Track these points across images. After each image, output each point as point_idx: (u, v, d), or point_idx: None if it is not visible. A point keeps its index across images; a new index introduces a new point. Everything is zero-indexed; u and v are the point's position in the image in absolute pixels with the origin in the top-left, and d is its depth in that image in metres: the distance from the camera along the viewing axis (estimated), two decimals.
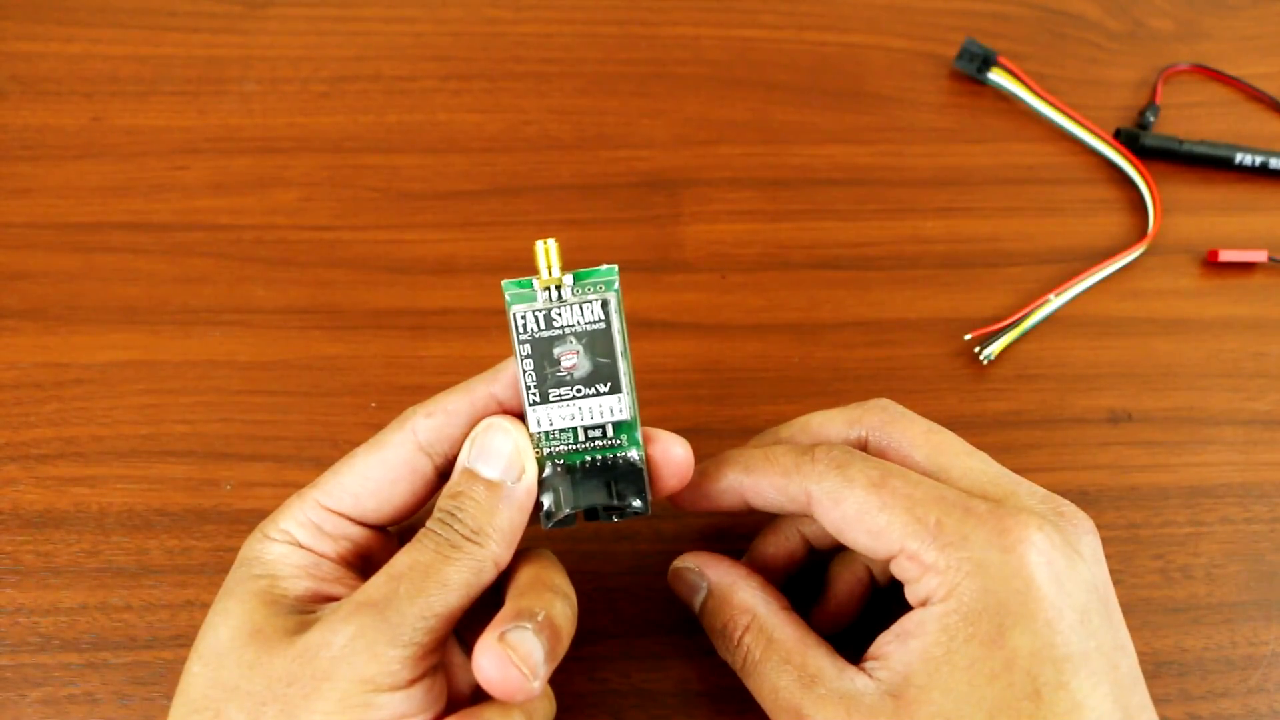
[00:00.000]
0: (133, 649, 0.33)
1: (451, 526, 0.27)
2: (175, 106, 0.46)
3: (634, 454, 0.29)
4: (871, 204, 0.45)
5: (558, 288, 0.28)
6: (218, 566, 0.35)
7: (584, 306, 0.28)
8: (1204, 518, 0.38)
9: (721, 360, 0.40)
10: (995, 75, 0.48)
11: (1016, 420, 0.40)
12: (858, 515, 0.28)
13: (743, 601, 0.30)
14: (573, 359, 0.28)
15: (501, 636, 0.26)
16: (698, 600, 0.31)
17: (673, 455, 0.29)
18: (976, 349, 0.41)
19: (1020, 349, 0.41)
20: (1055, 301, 0.42)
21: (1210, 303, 0.43)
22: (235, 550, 0.35)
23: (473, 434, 0.28)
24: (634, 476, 0.29)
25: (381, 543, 0.30)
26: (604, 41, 0.49)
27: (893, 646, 0.27)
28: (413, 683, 0.25)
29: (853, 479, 0.28)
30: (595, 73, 0.48)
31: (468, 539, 0.27)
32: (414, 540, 0.27)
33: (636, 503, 0.29)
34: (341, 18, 0.49)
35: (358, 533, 0.29)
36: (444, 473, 0.29)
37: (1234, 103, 0.49)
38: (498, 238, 0.43)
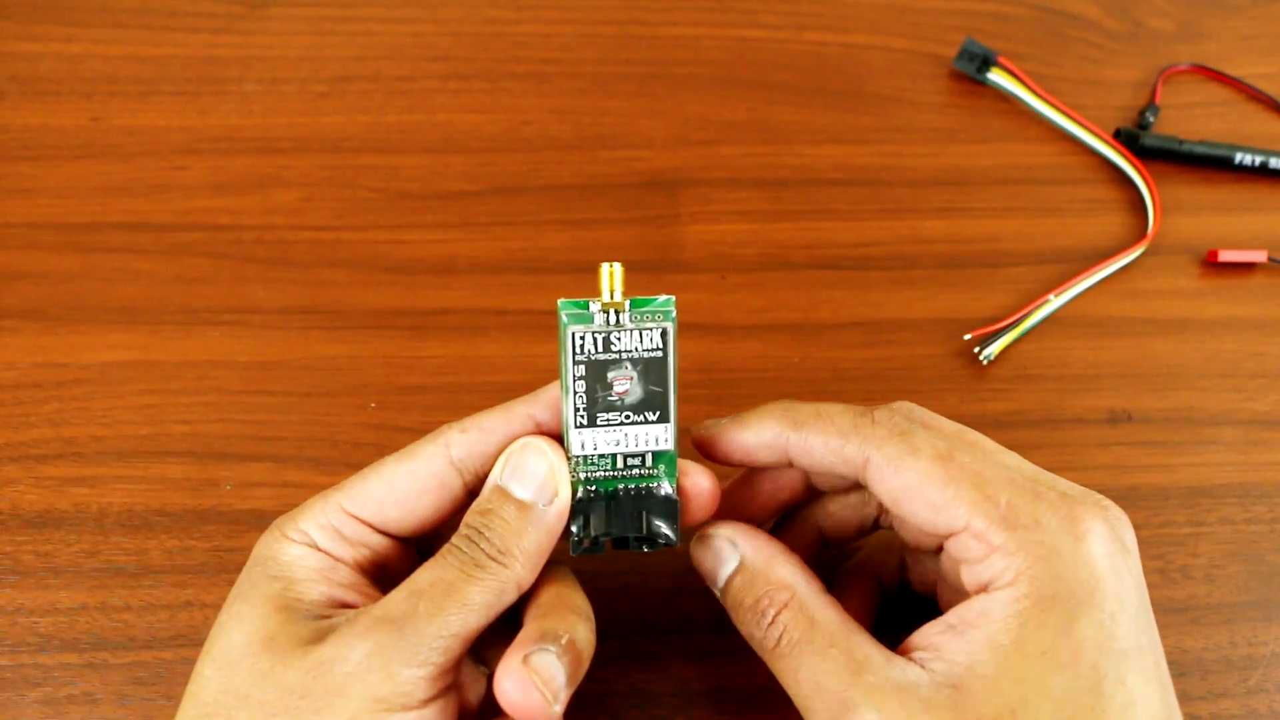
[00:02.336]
0: (132, 649, 0.33)
1: (477, 545, 0.26)
2: (175, 106, 0.46)
3: (670, 487, 0.29)
4: (871, 204, 0.45)
5: (617, 312, 0.28)
6: (218, 566, 0.35)
7: (643, 333, 0.28)
8: (1204, 518, 0.38)
9: (721, 360, 0.40)
10: (995, 75, 0.48)
11: (1016, 420, 0.40)
12: (920, 486, 0.27)
13: (781, 577, 0.28)
14: (625, 384, 0.28)
15: (526, 659, 0.25)
16: (725, 572, 0.29)
17: (701, 488, 0.29)
18: (976, 349, 0.41)
19: (1020, 349, 0.41)
20: (1055, 301, 0.42)
21: (1210, 303, 0.43)
22: (235, 550, 0.35)
23: (507, 451, 0.28)
24: (668, 509, 0.29)
25: (399, 553, 0.29)
26: (604, 41, 0.49)
27: (946, 637, 0.26)
28: (426, 703, 0.25)
29: (918, 448, 0.27)
30: (595, 73, 0.48)
31: (493, 559, 0.26)
32: (438, 556, 0.27)
33: (669, 535, 0.29)
34: (341, 18, 0.49)
35: (378, 541, 0.29)
36: (473, 490, 0.29)
37: (1234, 103, 0.49)
38: (498, 238, 0.43)
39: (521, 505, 0.27)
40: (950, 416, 0.39)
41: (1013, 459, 0.29)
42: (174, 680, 0.33)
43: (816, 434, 0.29)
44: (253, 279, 0.41)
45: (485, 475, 0.28)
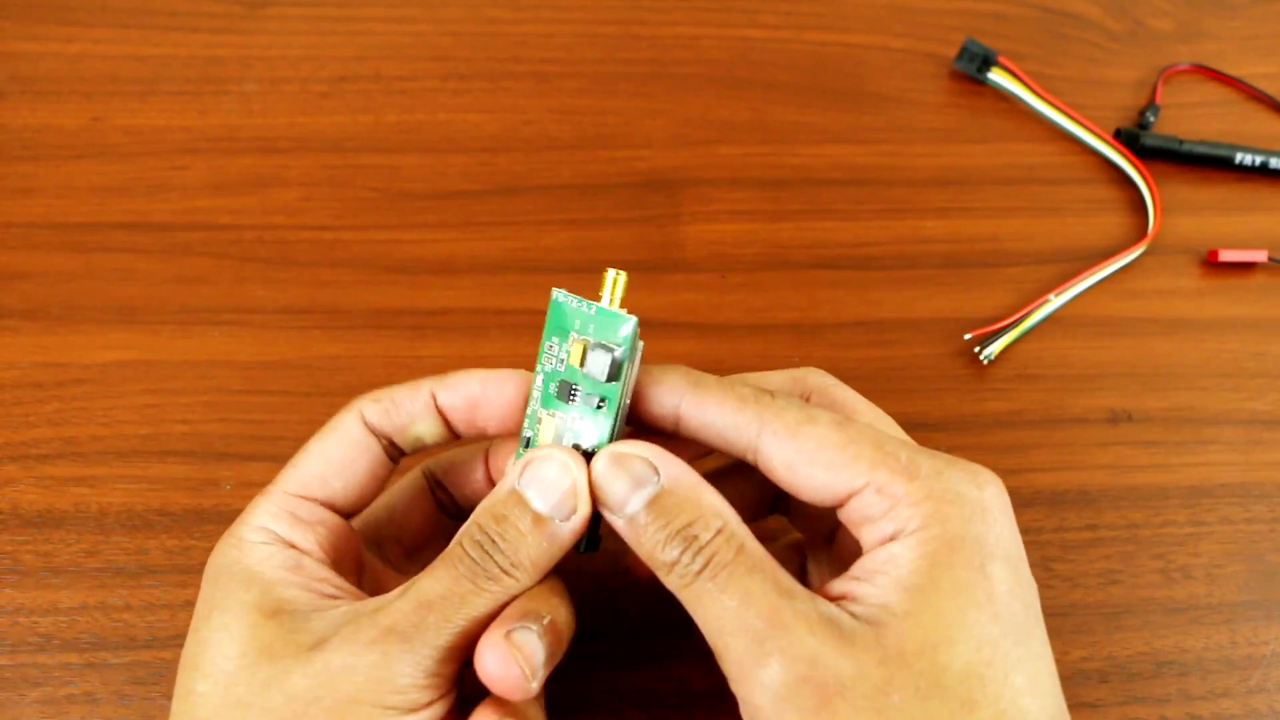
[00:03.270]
0: (133, 649, 0.33)
1: (490, 556, 0.26)
2: (175, 106, 0.46)
3: None
4: (871, 204, 0.45)
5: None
6: None
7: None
8: (1204, 518, 0.38)
9: (722, 360, 0.40)
10: (995, 75, 0.48)
11: (1016, 420, 0.39)
12: (818, 448, 0.26)
13: (711, 504, 0.27)
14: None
15: (508, 635, 0.26)
16: (642, 496, 0.27)
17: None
18: (976, 349, 0.41)
19: (1020, 349, 0.41)
20: (1055, 301, 0.42)
21: (1210, 303, 0.43)
22: None
23: (528, 456, 0.28)
24: None
25: (348, 535, 0.29)
26: (604, 41, 0.49)
27: (853, 585, 0.26)
28: (430, 704, 0.25)
29: (816, 417, 0.27)
30: (595, 73, 0.48)
31: (505, 572, 0.26)
32: (447, 561, 0.26)
33: None
34: (341, 18, 0.49)
35: (331, 519, 0.29)
36: (392, 456, 0.30)
37: (1234, 103, 0.49)
38: (498, 238, 0.43)
39: (539, 519, 0.27)
40: (950, 416, 0.39)
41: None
42: (174, 680, 0.33)
43: (714, 396, 0.28)
44: (253, 279, 0.41)
45: (397, 441, 0.29)
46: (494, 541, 0.26)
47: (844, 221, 0.44)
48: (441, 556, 0.27)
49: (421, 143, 0.46)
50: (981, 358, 0.41)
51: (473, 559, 0.26)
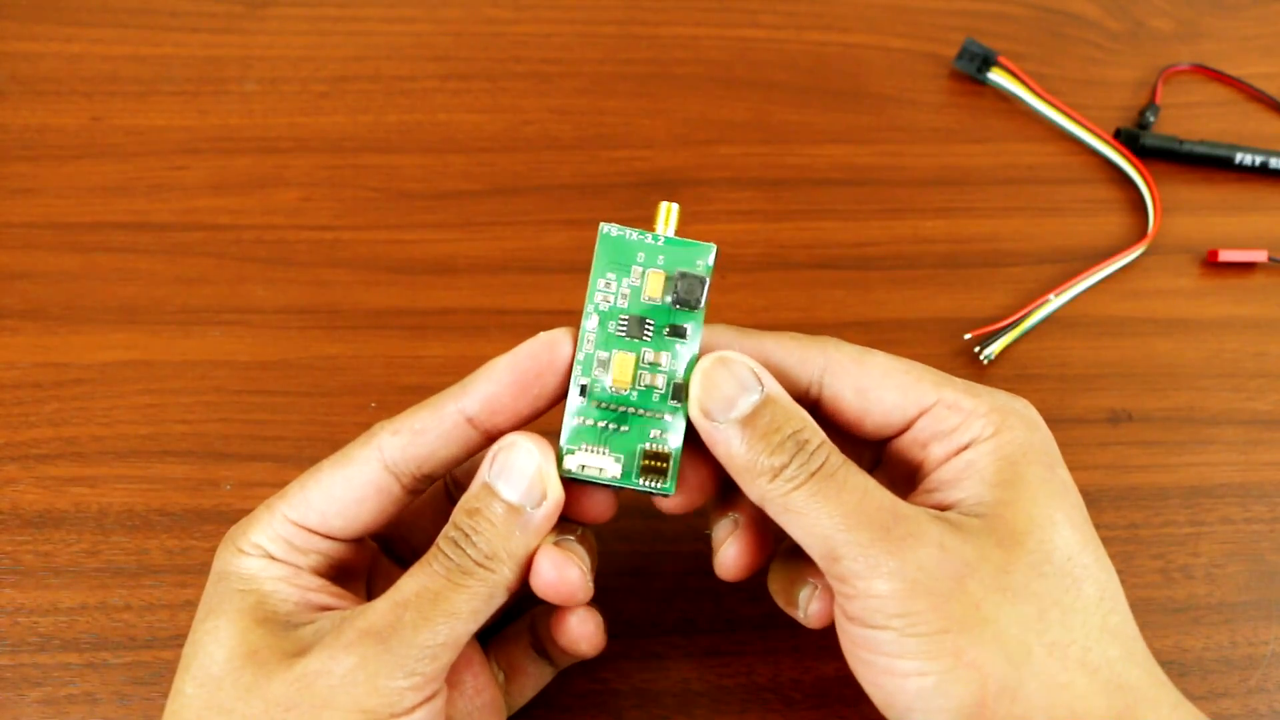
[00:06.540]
0: (132, 649, 0.33)
1: (464, 549, 0.26)
2: (175, 106, 0.46)
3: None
4: (871, 204, 0.45)
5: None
6: None
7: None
8: (1204, 518, 0.38)
9: None
10: (995, 75, 0.48)
11: None
12: (885, 374, 0.28)
13: (809, 417, 0.27)
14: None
15: (556, 543, 0.27)
16: (748, 401, 0.27)
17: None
18: (976, 349, 0.41)
19: (1020, 349, 0.41)
20: (1055, 301, 0.42)
21: (1210, 303, 0.43)
22: None
23: (494, 448, 0.27)
24: None
25: (355, 551, 0.29)
26: (604, 41, 0.49)
27: (939, 495, 0.27)
28: (414, 709, 0.25)
29: (873, 350, 0.29)
30: (595, 73, 0.48)
31: (480, 565, 0.26)
32: (424, 561, 0.26)
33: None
34: (341, 18, 0.49)
35: (329, 546, 0.28)
36: (413, 491, 0.28)
37: (1234, 103, 0.49)
38: (498, 238, 0.43)
39: (510, 507, 0.27)
40: None
41: None
42: (173, 680, 0.33)
43: (770, 337, 0.29)
44: (253, 279, 0.41)
45: (423, 477, 0.28)
46: (467, 536, 0.26)
47: (844, 221, 0.44)
48: (421, 558, 0.26)
49: (421, 143, 0.46)
50: (981, 358, 0.40)
51: (447, 556, 0.26)
